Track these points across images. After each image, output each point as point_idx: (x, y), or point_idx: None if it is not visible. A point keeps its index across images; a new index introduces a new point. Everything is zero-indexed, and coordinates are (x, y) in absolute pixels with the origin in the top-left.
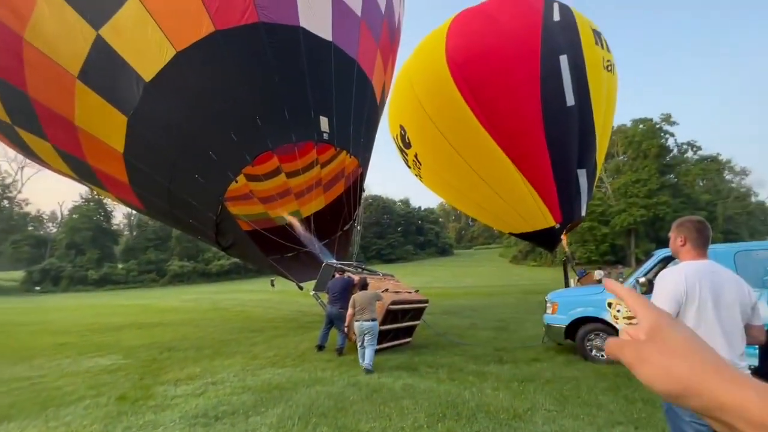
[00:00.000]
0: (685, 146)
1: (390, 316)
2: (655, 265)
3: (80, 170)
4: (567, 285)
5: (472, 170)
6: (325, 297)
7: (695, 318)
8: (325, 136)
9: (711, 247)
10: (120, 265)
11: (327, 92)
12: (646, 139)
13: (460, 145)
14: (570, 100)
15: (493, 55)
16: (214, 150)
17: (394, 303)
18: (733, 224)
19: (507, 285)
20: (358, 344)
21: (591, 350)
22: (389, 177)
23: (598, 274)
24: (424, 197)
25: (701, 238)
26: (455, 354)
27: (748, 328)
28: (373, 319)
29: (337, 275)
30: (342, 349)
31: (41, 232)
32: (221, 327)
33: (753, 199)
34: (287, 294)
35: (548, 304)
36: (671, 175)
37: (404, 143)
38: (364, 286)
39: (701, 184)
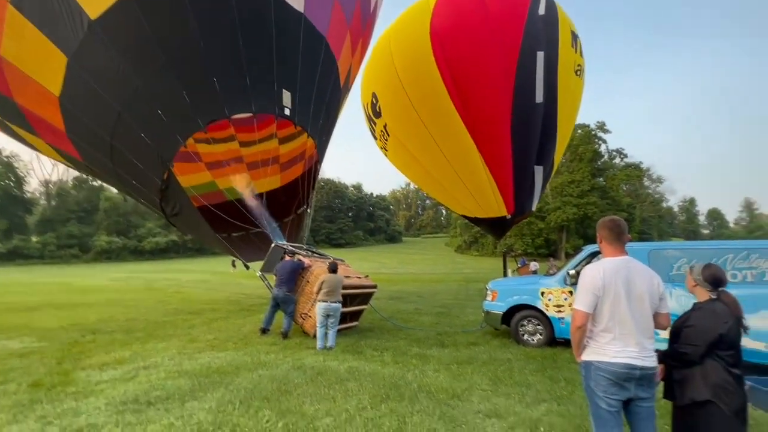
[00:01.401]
0: (614, 153)
1: None
2: (583, 259)
3: (5, 108)
4: (505, 274)
5: (439, 148)
6: (272, 279)
7: (610, 308)
8: (287, 111)
9: (629, 245)
10: (34, 238)
11: (292, 65)
12: (583, 144)
13: (431, 121)
14: (539, 97)
15: (476, 37)
16: (163, 109)
17: (343, 287)
18: (647, 226)
19: (451, 273)
20: (319, 326)
21: (523, 335)
22: (343, 161)
23: (533, 265)
24: (377, 184)
25: (612, 234)
26: (400, 338)
27: (656, 315)
28: (339, 301)
29: (286, 258)
30: (287, 332)
31: None
32: (155, 308)
33: (664, 204)
34: (229, 275)
35: (488, 292)
36: (601, 179)
37: (374, 112)
38: (334, 269)
39: (624, 188)
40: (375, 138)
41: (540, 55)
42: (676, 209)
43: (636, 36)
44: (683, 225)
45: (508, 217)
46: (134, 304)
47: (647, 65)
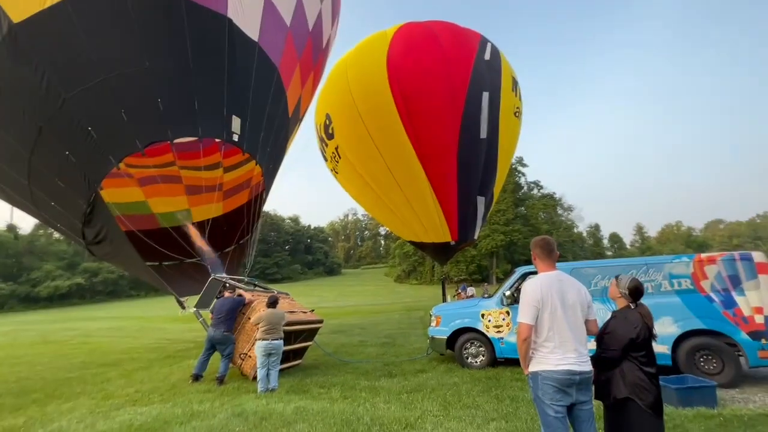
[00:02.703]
0: (532, 184)
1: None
2: (516, 280)
3: None
4: (444, 300)
5: (391, 173)
6: (207, 316)
7: (549, 317)
8: (235, 137)
9: (557, 265)
10: None
11: (243, 92)
12: (507, 176)
13: (384, 146)
14: (483, 132)
15: (430, 74)
16: (95, 126)
17: (288, 324)
18: (562, 249)
19: (392, 303)
20: (260, 366)
21: (467, 357)
22: (279, 193)
23: (469, 290)
24: (315, 216)
25: (544, 251)
26: (347, 372)
27: (586, 323)
28: (281, 338)
29: (226, 294)
30: (223, 377)
31: None
32: (55, 364)
33: (575, 230)
34: (147, 320)
35: (432, 318)
36: (522, 208)
37: (327, 133)
38: (273, 303)
39: (542, 216)
40: (326, 159)
41: (485, 96)
42: (584, 234)
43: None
44: (591, 248)
45: (453, 243)
46: (26, 361)
47: (553, 104)
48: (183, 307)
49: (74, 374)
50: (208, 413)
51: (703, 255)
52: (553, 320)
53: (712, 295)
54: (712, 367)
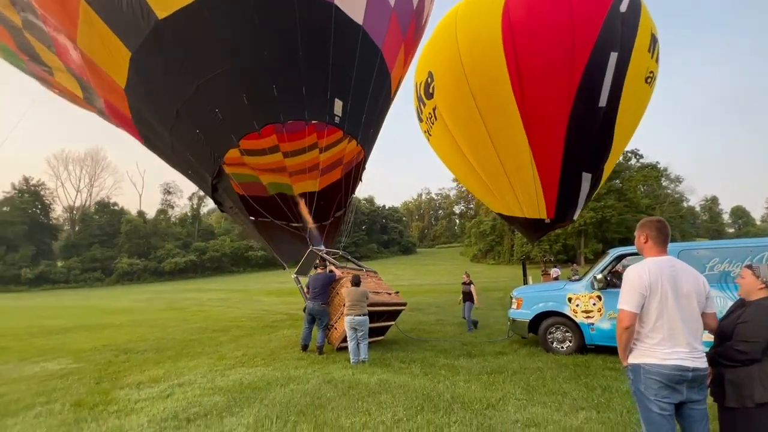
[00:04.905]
0: (629, 154)
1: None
2: (609, 263)
3: (88, 92)
4: (525, 282)
5: (489, 138)
6: (305, 281)
7: (658, 308)
8: (337, 119)
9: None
10: (60, 263)
11: (346, 75)
12: None
13: (487, 110)
14: (602, 101)
15: (551, 30)
16: (221, 108)
17: (371, 304)
18: None
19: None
20: (349, 340)
21: (552, 342)
22: None
23: (554, 272)
24: (389, 196)
25: (660, 235)
26: (425, 349)
27: (703, 315)
28: (365, 314)
29: (319, 270)
30: (322, 347)
31: None
32: (181, 327)
33: (684, 204)
34: (247, 293)
35: (513, 300)
36: (617, 181)
37: (426, 92)
38: (357, 282)
39: (642, 189)
40: (420, 120)
41: (612, 57)
42: (697, 209)
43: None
44: (706, 224)
45: (547, 221)
46: (160, 323)
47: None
48: (284, 267)
49: (195, 337)
50: (302, 378)
51: None
52: (662, 310)
53: None
54: None
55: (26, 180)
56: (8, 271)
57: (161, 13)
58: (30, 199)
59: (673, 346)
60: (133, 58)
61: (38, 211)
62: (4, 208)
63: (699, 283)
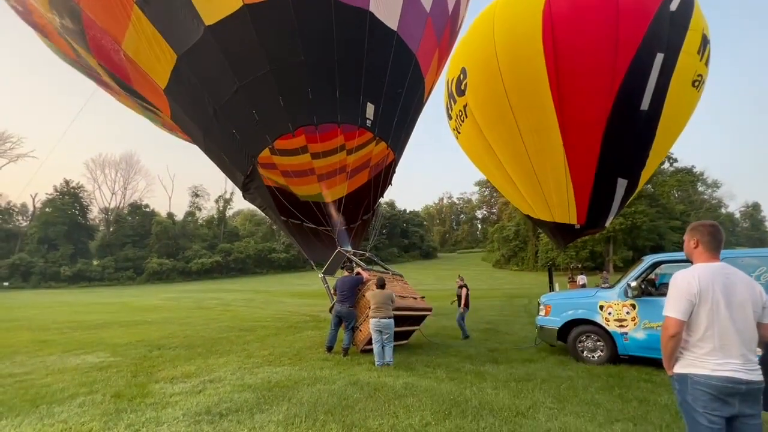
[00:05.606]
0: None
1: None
2: (644, 270)
3: (127, 90)
4: (552, 289)
5: (521, 138)
6: (332, 282)
7: (708, 317)
8: (368, 122)
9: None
10: (95, 262)
11: (379, 80)
12: None
13: (521, 109)
14: (644, 103)
15: (595, 27)
16: (258, 110)
17: (396, 309)
18: None
19: (491, 288)
20: (375, 342)
21: (582, 351)
22: None
23: (581, 279)
24: (410, 200)
25: (714, 241)
26: (450, 354)
27: (759, 326)
28: (390, 317)
29: (346, 273)
30: (348, 348)
31: (11, 225)
32: (209, 326)
33: (723, 210)
34: (270, 294)
35: (541, 307)
36: (648, 185)
37: (458, 89)
38: (382, 285)
39: (676, 194)
40: (450, 117)
41: (658, 57)
42: (737, 215)
43: None
44: (747, 232)
45: (577, 227)
46: (188, 321)
47: None
48: (313, 268)
49: (223, 335)
50: (328, 379)
51: None
52: (713, 318)
53: None
54: None
55: (67, 182)
56: (50, 268)
57: (209, 20)
58: (70, 200)
59: (724, 357)
60: (179, 60)
61: (77, 212)
62: (47, 209)
63: (755, 291)
